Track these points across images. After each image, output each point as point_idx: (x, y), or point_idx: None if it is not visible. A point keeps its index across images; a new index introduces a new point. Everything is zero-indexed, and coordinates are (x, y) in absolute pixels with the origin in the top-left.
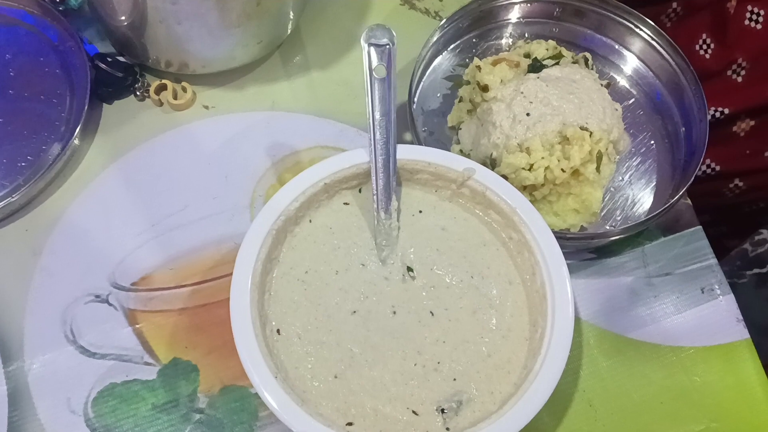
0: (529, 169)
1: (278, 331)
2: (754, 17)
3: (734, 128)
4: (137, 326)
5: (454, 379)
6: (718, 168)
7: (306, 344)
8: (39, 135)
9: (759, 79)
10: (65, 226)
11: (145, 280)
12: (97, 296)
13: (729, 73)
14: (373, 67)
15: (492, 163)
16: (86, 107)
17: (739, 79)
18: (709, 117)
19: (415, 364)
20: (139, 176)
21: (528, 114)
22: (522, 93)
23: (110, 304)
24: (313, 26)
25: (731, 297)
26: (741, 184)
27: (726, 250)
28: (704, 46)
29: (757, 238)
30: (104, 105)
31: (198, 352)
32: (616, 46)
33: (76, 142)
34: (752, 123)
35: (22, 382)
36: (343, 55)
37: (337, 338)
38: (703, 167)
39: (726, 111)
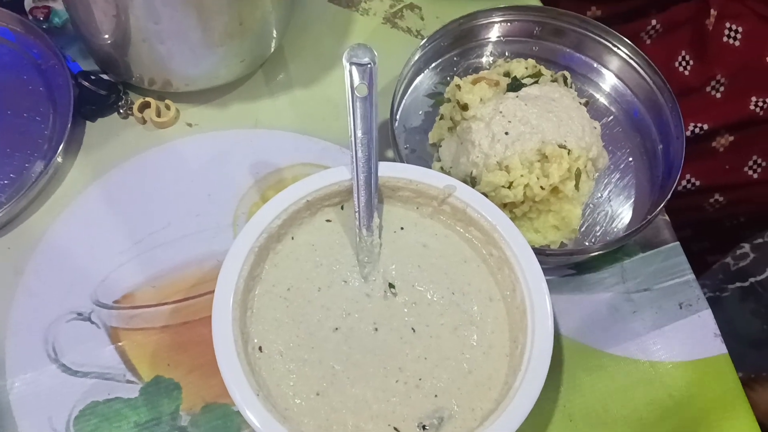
0: (509, 187)
1: (260, 348)
2: (732, 34)
3: (714, 143)
4: (119, 344)
5: (436, 396)
6: (698, 183)
7: (288, 362)
8: (22, 153)
9: (737, 94)
10: (48, 244)
11: (127, 298)
12: (80, 314)
13: (708, 89)
14: (355, 85)
15: (472, 181)
16: (69, 125)
17: (718, 95)
18: (688, 133)
19: (396, 381)
20: (122, 194)
21: (507, 133)
22: (501, 112)
23: (92, 322)
24: (296, 45)
25: (709, 312)
26: (721, 198)
27: (708, 265)
28: (683, 63)
29: (738, 252)
30: (87, 123)
31: (180, 370)
32: (595, 65)
33: (59, 159)
34: (731, 138)
35: (4, 401)
36: (326, 73)
37: (319, 355)
38: (684, 182)
39: (705, 126)
